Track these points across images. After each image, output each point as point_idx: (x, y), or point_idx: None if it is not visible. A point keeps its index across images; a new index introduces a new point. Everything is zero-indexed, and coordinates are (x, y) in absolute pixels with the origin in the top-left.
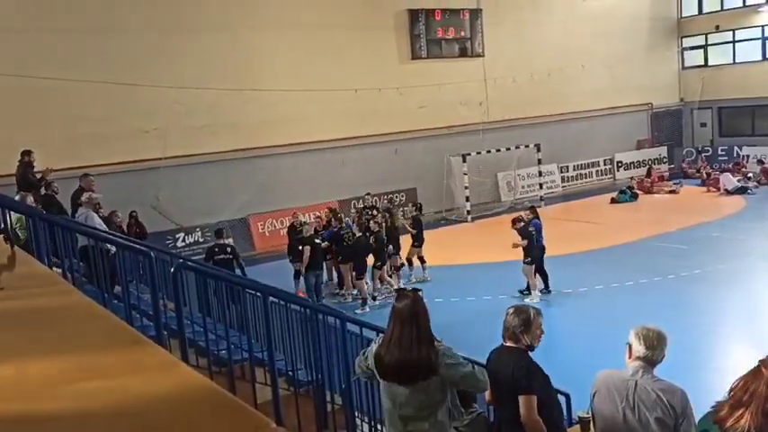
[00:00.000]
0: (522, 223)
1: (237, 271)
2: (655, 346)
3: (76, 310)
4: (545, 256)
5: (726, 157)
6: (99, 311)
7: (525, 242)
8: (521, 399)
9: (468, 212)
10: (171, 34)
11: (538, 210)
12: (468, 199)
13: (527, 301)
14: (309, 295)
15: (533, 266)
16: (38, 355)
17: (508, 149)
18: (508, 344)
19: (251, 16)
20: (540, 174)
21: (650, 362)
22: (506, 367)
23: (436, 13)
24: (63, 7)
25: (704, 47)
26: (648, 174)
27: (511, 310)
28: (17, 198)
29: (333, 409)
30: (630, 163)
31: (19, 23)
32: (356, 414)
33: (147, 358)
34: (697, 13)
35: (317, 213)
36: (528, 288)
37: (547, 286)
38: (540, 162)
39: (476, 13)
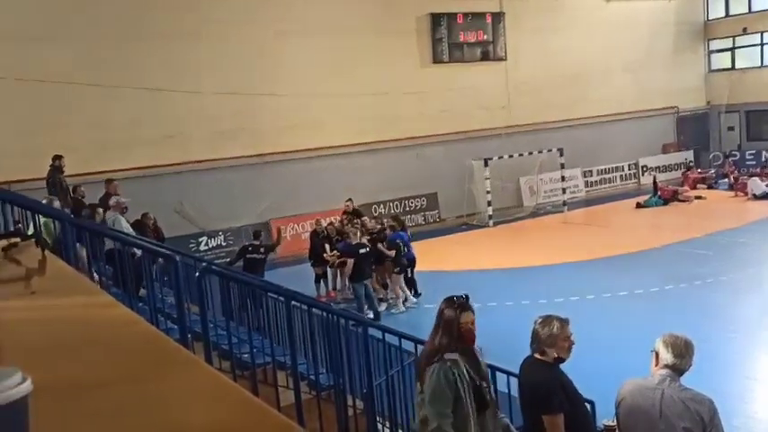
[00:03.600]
0: (390, 232)
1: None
2: (683, 354)
3: (106, 314)
4: (415, 267)
5: (753, 162)
6: (128, 316)
7: (393, 253)
8: (545, 419)
9: (490, 217)
10: (195, 42)
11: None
12: (489, 204)
13: (393, 311)
14: (359, 305)
15: (401, 276)
16: (69, 357)
17: (530, 154)
18: (536, 355)
19: (273, 23)
20: (563, 178)
21: (678, 370)
22: (528, 382)
23: (458, 16)
24: (91, 16)
25: (731, 50)
26: (684, 181)
27: (538, 320)
28: (44, 202)
29: (354, 413)
30: (656, 167)
31: (49, 32)
32: (377, 418)
33: (174, 360)
34: (724, 16)
35: (332, 219)
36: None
37: (415, 293)
38: (562, 166)
39: (498, 17)
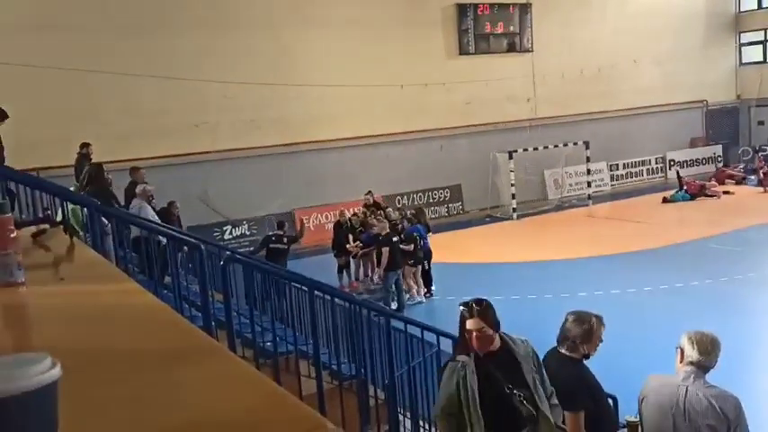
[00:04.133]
0: (407, 225)
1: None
2: (709, 351)
3: (133, 302)
4: (431, 260)
5: None
6: (154, 303)
7: (411, 247)
8: (567, 416)
9: (514, 210)
10: (221, 31)
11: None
12: (513, 196)
13: (409, 302)
14: (386, 296)
15: (416, 269)
16: (97, 343)
17: (556, 146)
18: (562, 350)
19: (299, 14)
20: (589, 171)
21: (703, 367)
22: (555, 377)
23: (485, 7)
24: (118, 5)
25: (763, 42)
26: (716, 174)
27: (571, 318)
28: (72, 189)
29: (376, 403)
30: (684, 161)
31: (77, 20)
32: (399, 410)
33: (199, 347)
34: (756, 8)
35: (356, 210)
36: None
37: (429, 290)
38: (588, 160)
39: (525, 8)
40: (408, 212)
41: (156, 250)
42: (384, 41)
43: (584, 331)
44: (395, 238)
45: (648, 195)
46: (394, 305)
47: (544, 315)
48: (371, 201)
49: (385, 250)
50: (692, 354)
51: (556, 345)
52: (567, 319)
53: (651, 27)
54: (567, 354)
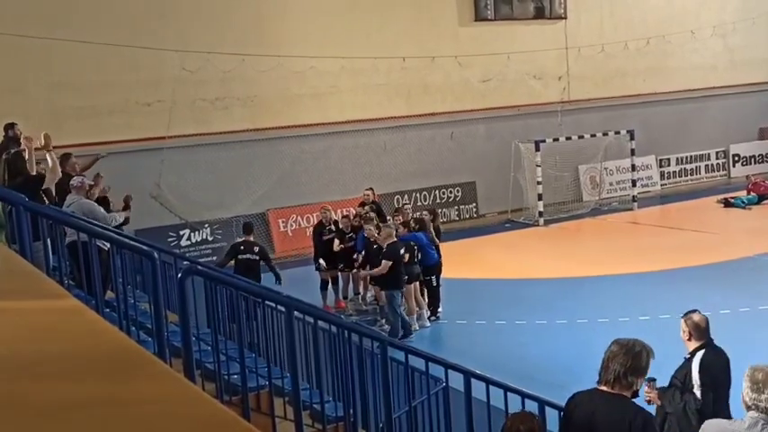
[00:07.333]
0: (405, 231)
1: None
2: (761, 389)
3: (73, 322)
4: (441, 275)
5: None
6: (98, 324)
7: (406, 257)
8: None
9: (541, 214)
10: None
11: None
12: (540, 197)
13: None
14: (395, 318)
15: (413, 286)
16: (30, 374)
17: (593, 136)
18: (603, 388)
19: None
20: (634, 168)
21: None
22: (617, 422)
23: None
24: None
25: None
26: None
27: (615, 348)
28: None
29: None
30: (750, 157)
31: None
32: None
33: (154, 376)
34: None
35: (345, 212)
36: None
37: (435, 312)
38: (633, 153)
39: None
40: (418, 214)
41: (98, 259)
42: (382, 3)
43: (635, 363)
44: (401, 250)
45: (707, 198)
46: (387, 328)
47: (579, 344)
48: (371, 199)
49: (387, 264)
50: (751, 396)
51: (596, 385)
52: (610, 350)
53: None
54: (613, 391)
